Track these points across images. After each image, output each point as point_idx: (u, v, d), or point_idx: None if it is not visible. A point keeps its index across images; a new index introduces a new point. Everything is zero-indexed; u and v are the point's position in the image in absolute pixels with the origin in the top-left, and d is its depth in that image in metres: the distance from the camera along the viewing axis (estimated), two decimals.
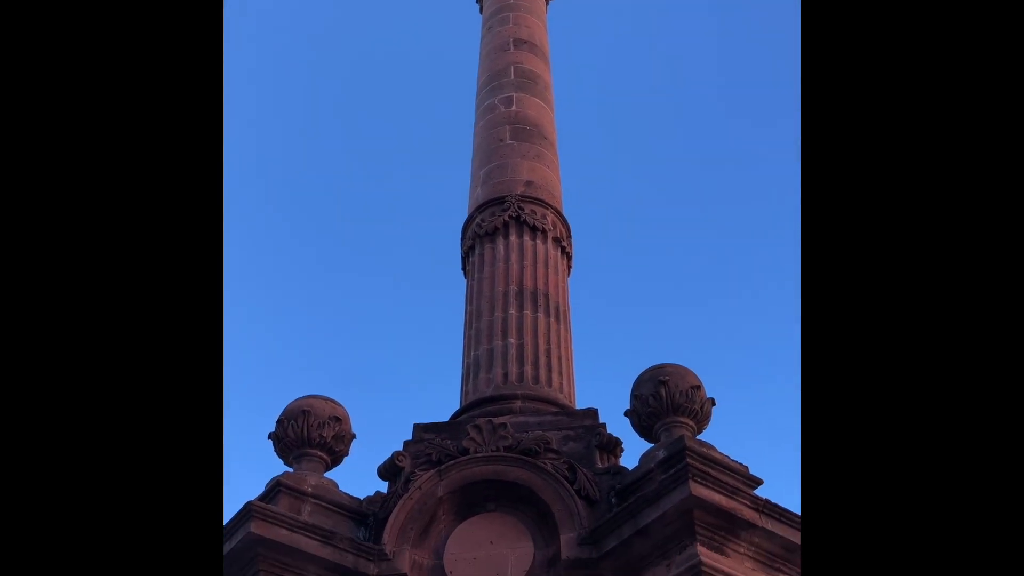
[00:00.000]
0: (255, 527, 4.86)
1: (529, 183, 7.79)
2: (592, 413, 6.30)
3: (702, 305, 21.53)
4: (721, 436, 6.44)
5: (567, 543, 5.05)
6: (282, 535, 4.94)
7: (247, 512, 4.90)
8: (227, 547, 4.99)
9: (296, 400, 5.87)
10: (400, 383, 20.77)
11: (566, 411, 6.49)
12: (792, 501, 5.03)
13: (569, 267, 7.74)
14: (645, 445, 5.59)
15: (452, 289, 8.41)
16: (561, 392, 6.84)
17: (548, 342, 7.01)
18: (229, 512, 5.09)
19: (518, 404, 6.49)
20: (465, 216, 7.95)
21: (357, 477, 6.42)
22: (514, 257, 7.30)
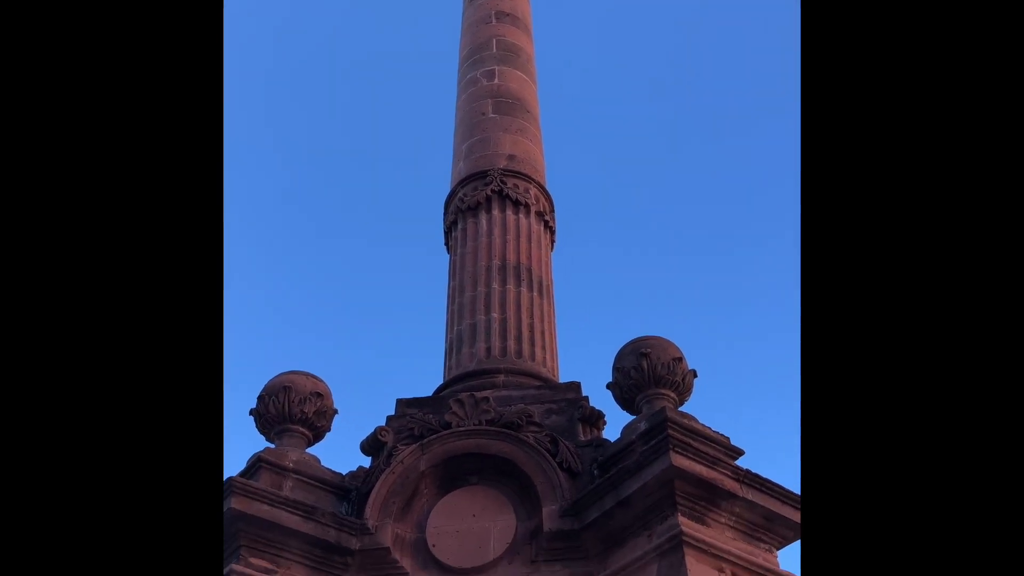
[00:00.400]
0: (236, 503, 4.83)
1: (512, 157, 7.74)
2: (575, 386, 6.30)
3: (686, 279, 21.59)
4: (703, 408, 6.46)
5: (549, 515, 5.05)
6: (263, 510, 4.92)
7: (228, 487, 4.88)
8: None
9: (277, 376, 5.84)
10: (384, 359, 20.77)
11: (549, 385, 6.48)
12: (774, 472, 5.06)
13: (552, 241, 7.71)
14: (628, 417, 5.59)
15: (435, 264, 8.37)
16: (544, 366, 6.84)
17: (531, 316, 7.00)
18: None
19: (501, 378, 6.48)
20: (448, 191, 7.90)
21: (340, 453, 6.42)
22: (497, 231, 7.26)
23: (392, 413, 6.12)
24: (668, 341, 5.70)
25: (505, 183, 7.43)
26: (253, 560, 4.87)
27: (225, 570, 4.81)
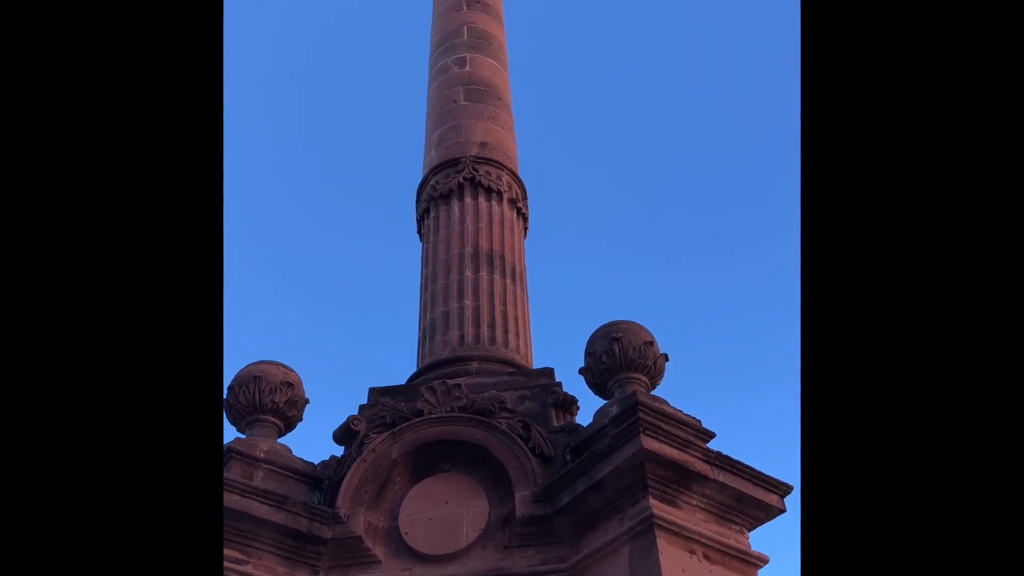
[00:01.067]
0: None
1: (484, 144, 7.71)
2: (548, 372, 6.29)
3: (659, 265, 21.69)
4: (675, 392, 6.48)
5: (522, 500, 5.05)
6: (234, 501, 4.87)
7: None
8: None
9: (247, 366, 5.79)
10: (357, 349, 20.71)
11: (522, 371, 6.47)
12: (744, 454, 5.08)
13: (525, 228, 7.70)
14: (601, 403, 5.59)
15: (408, 252, 8.34)
16: (518, 353, 6.83)
17: (504, 304, 6.98)
18: None
19: (474, 366, 6.47)
20: (420, 178, 7.86)
21: (313, 443, 6.38)
22: (469, 219, 7.24)
23: (365, 402, 6.10)
24: (639, 325, 5.71)
25: (477, 170, 7.40)
26: (225, 551, 4.82)
27: None
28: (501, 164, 7.58)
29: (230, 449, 5.27)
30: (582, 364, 5.80)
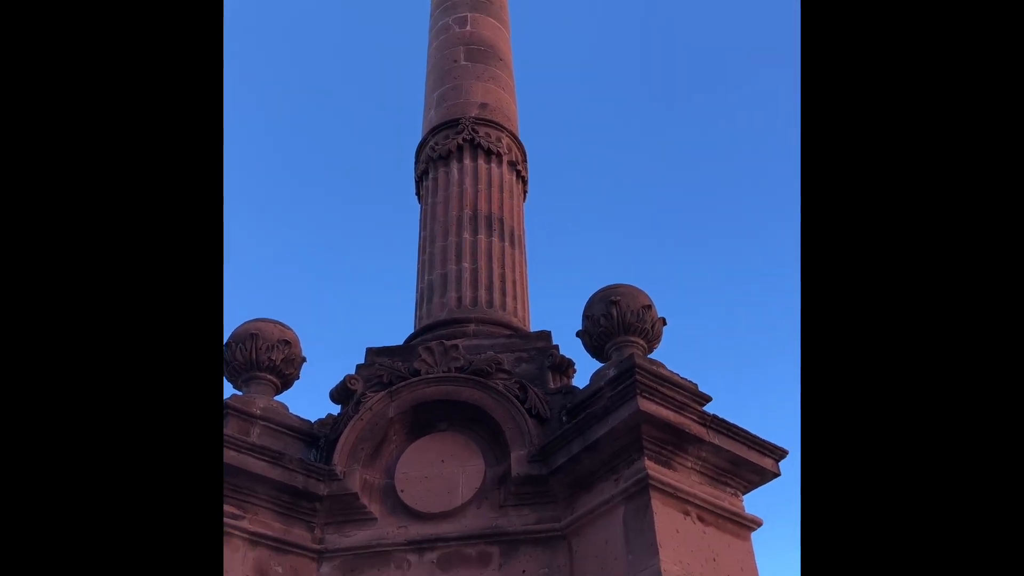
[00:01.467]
0: None
1: (484, 105, 7.63)
2: (545, 335, 6.29)
3: (658, 229, 21.65)
4: (673, 357, 6.48)
5: (517, 460, 5.07)
6: (230, 456, 4.88)
7: None
8: None
9: (244, 323, 5.78)
10: (355, 310, 20.71)
11: (519, 334, 6.47)
12: (741, 419, 5.10)
13: (524, 191, 7.65)
14: (597, 366, 5.59)
15: (407, 214, 8.29)
16: (515, 316, 6.82)
17: (502, 266, 6.96)
18: None
19: (472, 328, 6.46)
20: (419, 139, 7.79)
21: (310, 402, 6.40)
22: (468, 181, 7.19)
23: (362, 362, 6.09)
24: (638, 289, 5.69)
25: (477, 132, 7.33)
26: None
27: None
28: (501, 126, 7.51)
29: (227, 405, 5.27)
30: (579, 328, 5.80)
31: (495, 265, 6.92)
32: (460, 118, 7.44)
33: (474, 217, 7.02)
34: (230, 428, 5.13)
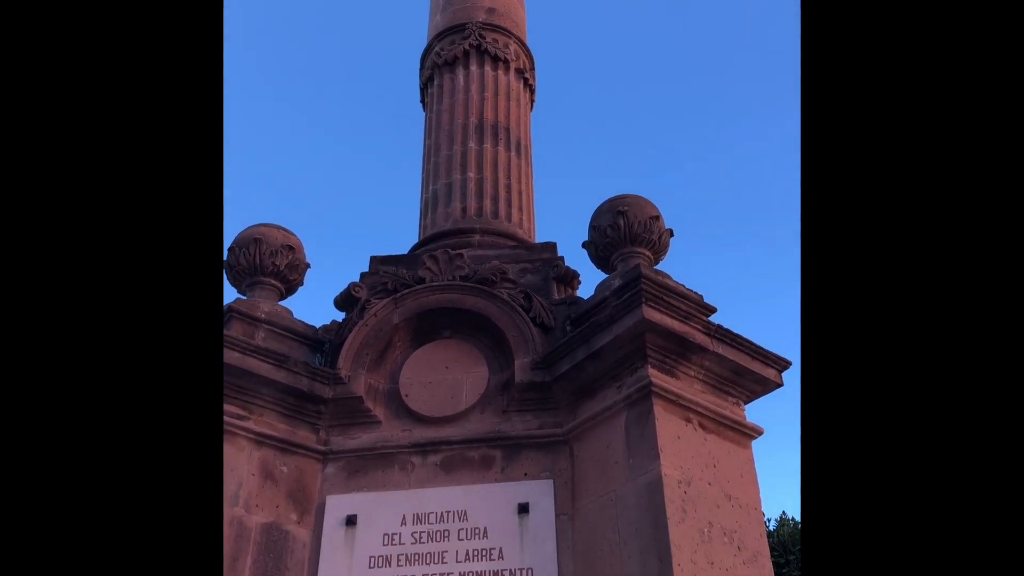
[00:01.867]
0: None
1: (491, 10, 7.42)
2: (550, 247, 6.26)
3: (666, 141, 21.41)
4: (679, 268, 6.45)
5: (521, 367, 5.09)
6: (235, 358, 4.90)
7: None
8: None
9: (247, 228, 5.73)
10: (359, 220, 20.66)
11: (524, 245, 6.44)
12: (745, 331, 5.09)
13: (532, 100, 7.50)
14: (603, 279, 5.57)
15: (412, 122, 8.17)
16: (520, 227, 6.77)
17: (508, 177, 6.88)
18: None
19: (476, 238, 6.43)
20: (424, 45, 7.60)
21: (314, 313, 6.39)
22: (474, 88, 7.04)
23: (366, 271, 6.08)
24: (645, 200, 5.62)
25: (484, 37, 7.15)
26: (226, 407, 4.88)
27: None
28: (509, 32, 7.32)
29: (231, 309, 5.27)
30: (585, 239, 5.75)
31: (501, 175, 6.84)
32: (467, 23, 7.24)
33: (480, 126, 6.90)
34: (234, 330, 5.14)
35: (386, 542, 4.69)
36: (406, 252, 6.52)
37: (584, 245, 5.75)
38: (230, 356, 4.89)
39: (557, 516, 4.66)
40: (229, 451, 4.79)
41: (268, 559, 4.61)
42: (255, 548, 4.60)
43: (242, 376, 4.92)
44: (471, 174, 6.78)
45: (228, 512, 4.61)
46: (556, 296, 5.73)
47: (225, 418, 4.83)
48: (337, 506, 4.86)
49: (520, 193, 6.89)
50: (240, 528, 4.61)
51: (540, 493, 4.74)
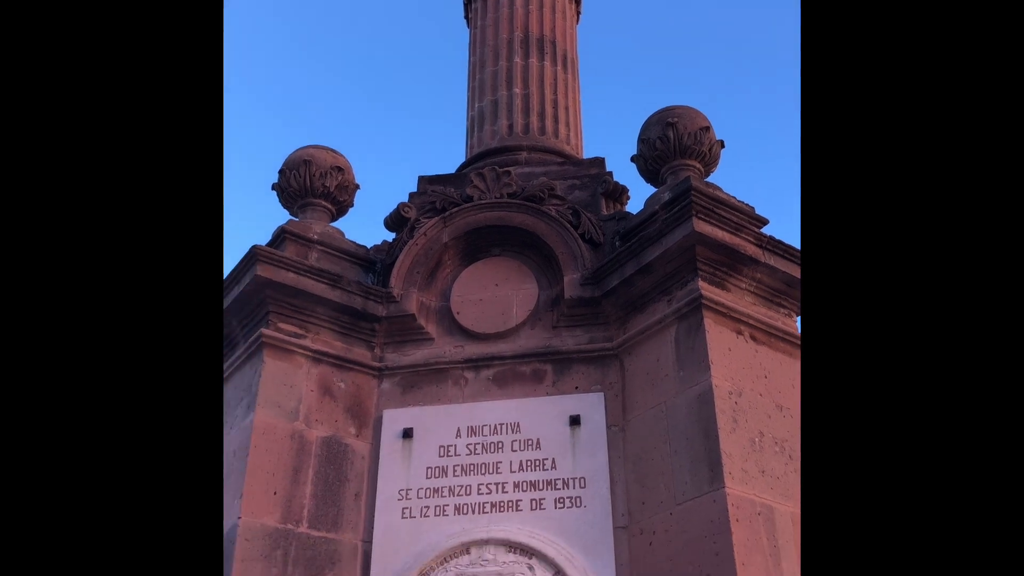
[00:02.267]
0: (261, 270, 4.92)
1: None
2: (599, 162, 6.19)
3: (714, 56, 20.76)
4: (730, 181, 6.34)
5: (570, 283, 5.11)
6: (290, 278, 5.00)
7: (252, 256, 4.95)
8: (234, 292, 5.10)
9: (297, 150, 5.77)
10: (405, 140, 20.60)
11: (572, 161, 6.38)
12: (797, 242, 5.00)
13: (578, 12, 7.32)
14: (653, 191, 5.51)
15: (457, 39, 8.05)
16: (568, 143, 6.70)
17: (555, 92, 6.78)
18: (234, 260, 5.16)
19: (524, 155, 6.38)
20: None
21: (364, 233, 6.45)
22: (519, 2, 6.88)
23: (414, 191, 6.10)
24: (696, 111, 5.50)
25: None
26: (283, 326, 5.02)
27: (254, 335, 4.98)
28: None
29: (283, 230, 5.36)
30: (634, 153, 5.67)
31: (547, 91, 6.74)
32: None
33: (525, 40, 6.78)
34: (288, 251, 5.23)
35: (442, 453, 4.83)
36: (453, 171, 6.52)
37: (633, 159, 5.68)
38: (285, 276, 5.00)
39: (608, 428, 4.73)
40: (287, 368, 4.94)
41: (329, 470, 4.79)
42: (316, 460, 4.78)
43: (297, 296, 5.04)
44: (517, 90, 6.69)
45: (288, 426, 4.78)
46: (605, 212, 5.70)
47: (283, 336, 4.98)
48: (394, 420, 5.00)
49: (567, 108, 6.80)
50: (301, 442, 4.78)
51: (591, 406, 4.81)
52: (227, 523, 4.49)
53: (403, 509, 4.70)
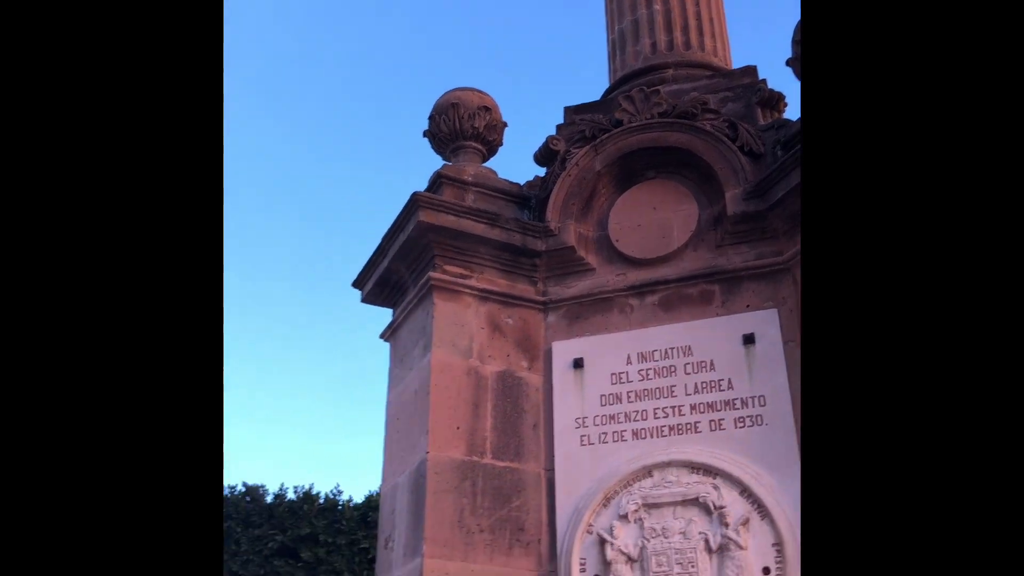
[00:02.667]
0: (424, 216, 5.04)
1: None
2: (750, 71, 5.90)
3: None
4: None
5: (732, 199, 4.93)
6: (450, 221, 5.11)
7: (414, 203, 5.07)
8: (399, 239, 5.27)
9: (443, 95, 5.83)
10: (548, 72, 20.41)
11: (722, 73, 6.11)
12: None
13: None
14: None
15: None
16: (715, 55, 6.42)
17: (697, 3, 6.49)
18: (394, 211, 5.31)
19: (670, 73, 6.17)
20: None
21: (513, 171, 6.44)
22: None
23: (561, 122, 6.04)
24: None
25: None
26: (448, 268, 5.15)
27: (423, 279, 5.14)
28: None
29: (440, 175, 5.45)
30: (789, 56, 5.35)
31: (688, 3, 6.46)
32: None
33: None
34: (445, 195, 5.33)
35: (614, 381, 4.84)
36: (598, 98, 6.40)
37: (788, 63, 5.36)
38: (445, 220, 5.11)
39: (784, 343, 4.59)
40: (456, 308, 5.08)
41: (506, 403, 4.92)
42: (493, 394, 4.92)
43: (458, 237, 5.14)
44: (657, 6, 6.45)
45: (464, 363, 4.94)
46: (762, 121, 5.45)
47: (449, 278, 5.11)
48: (563, 351, 5.06)
49: (711, 19, 6.49)
50: (477, 377, 4.93)
51: (765, 323, 4.67)
52: (416, 458, 4.72)
53: (581, 437, 4.77)
